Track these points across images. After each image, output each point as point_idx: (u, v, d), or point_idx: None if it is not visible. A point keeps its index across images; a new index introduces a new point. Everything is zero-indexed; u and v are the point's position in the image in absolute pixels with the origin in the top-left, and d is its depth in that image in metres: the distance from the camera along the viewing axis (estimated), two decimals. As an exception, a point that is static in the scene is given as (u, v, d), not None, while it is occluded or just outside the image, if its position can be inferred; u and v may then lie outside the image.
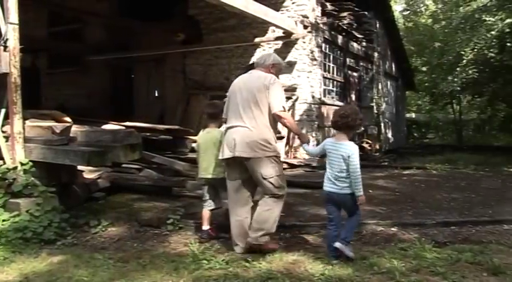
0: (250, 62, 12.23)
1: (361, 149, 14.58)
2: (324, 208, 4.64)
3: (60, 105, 12.69)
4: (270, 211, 4.56)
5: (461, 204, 6.84)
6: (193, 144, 6.40)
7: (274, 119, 4.64)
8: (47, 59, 16.36)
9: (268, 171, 4.52)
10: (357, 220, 4.49)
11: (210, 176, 5.14)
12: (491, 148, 22.99)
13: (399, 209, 6.44)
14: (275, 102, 4.53)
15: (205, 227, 5.09)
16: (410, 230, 5.40)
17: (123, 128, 7.80)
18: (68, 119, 6.60)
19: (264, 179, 4.52)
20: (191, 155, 7.92)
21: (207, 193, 5.22)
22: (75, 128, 6.11)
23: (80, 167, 6.30)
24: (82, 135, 6.03)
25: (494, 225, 5.70)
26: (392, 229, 5.43)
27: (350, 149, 4.24)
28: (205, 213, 5.15)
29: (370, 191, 7.77)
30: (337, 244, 4.21)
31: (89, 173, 6.87)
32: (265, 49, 12.18)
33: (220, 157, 4.76)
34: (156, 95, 14.96)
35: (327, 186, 4.37)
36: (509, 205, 6.87)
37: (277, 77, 4.82)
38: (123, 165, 7.42)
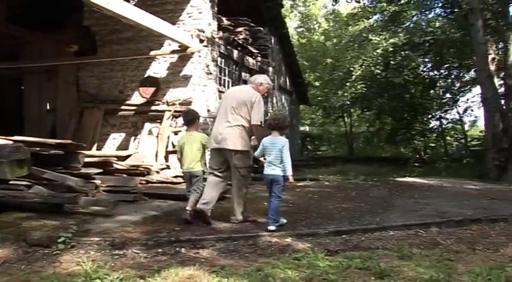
0: (146, 75, 12.15)
1: (257, 162, 14.86)
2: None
3: None
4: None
5: (351, 213, 7.16)
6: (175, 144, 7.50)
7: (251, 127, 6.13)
8: None
9: (240, 163, 6.14)
10: (278, 203, 5.99)
11: (193, 170, 6.46)
12: (380, 159, 24.29)
13: (293, 220, 6.61)
14: (255, 116, 6.08)
15: (188, 208, 6.32)
16: (304, 240, 5.55)
17: (10, 142, 7.44)
18: None
19: (236, 168, 6.15)
20: (84, 170, 7.72)
21: (192, 184, 6.49)
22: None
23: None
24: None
25: (381, 231, 6.02)
26: (287, 240, 5.53)
27: (283, 142, 5.92)
28: (191, 200, 6.39)
29: (265, 203, 7.94)
30: (269, 227, 5.74)
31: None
32: (161, 62, 12.14)
33: (208, 147, 6.42)
34: (48, 108, 14.26)
35: (267, 171, 5.95)
36: (395, 212, 7.33)
37: (264, 94, 6.42)
38: (11, 182, 7.07)
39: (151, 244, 5.15)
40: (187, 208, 6.36)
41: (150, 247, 5.10)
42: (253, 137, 6.36)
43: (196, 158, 6.46)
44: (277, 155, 5.86)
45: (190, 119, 6.73)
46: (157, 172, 10.18)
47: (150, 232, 5.64)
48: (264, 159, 6.09)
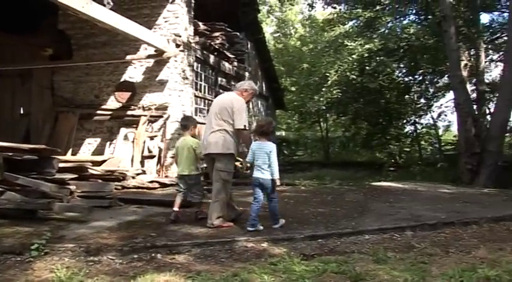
0: (122, 80, 12.08)
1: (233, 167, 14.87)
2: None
3: None
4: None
5: (327, 218, 7.16)
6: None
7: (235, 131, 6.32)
8: None
9: (221, 165, 6.29)
10: (275, 205, 6.33)
11: (185, 173, 6.82)
12: (355, 164, 24.51)
13: (269, 224, 6.64)
14: (239, 121, 6.24)
15: (175, 208, 6.71)
16: (280, 244, 5.56)
17: (-18, 147, 7.33)
18: None
19: (217, 170, 6.31)
20: (59, 176, 7.64)
21: (183, 185, 6.87)
22: None
23: None
24: None
25: (356, 236, 6.06)
26: (263, 245, 5.54)
27: (271, 147, 6.17)
28: (178, 198, 6.83)
29: (241, 208, 7.95)
30: (274, 226, 6.21)
31: None
32: (137, 67, 12.09)
33: (200, 154, 6.68)
34: (22, 112, 14.04)
35: (255, 174, 6.20)
36: (370, 216, 7.37)
37: (250, 99, 6.73)
38: (-18, 188, 6.97)
39: (127, 250, 5.11)
40: (174, 209, 6.75)
41: (126, 253, 5.06)
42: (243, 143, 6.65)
43: (188, 162, 6.83)
44: (264, 159, 6.14)
45: (184, 124, 7.23)
46: (133, 177, 10.13)
47: (126, 238, 5.59)
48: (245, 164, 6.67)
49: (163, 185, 9.98)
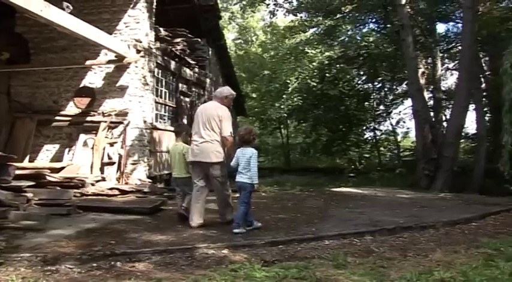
0: (81, 85, 11.90)
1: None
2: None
3: None
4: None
5: (287, 224, 7.23)
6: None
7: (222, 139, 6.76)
8: None
9: (217, 173, 6.76)
10: (246, 207, 6.55)
11: (178, 176, 7.47)
12: (316, 170, 24.74)
13: (230, 231, 6.65)
14: (224, 129, 6.72)
15: (181, 211, 7.26)
16: (241, 251, 5.57)
17: None
18: None
19: (214, 177, 6.78)
20: (15, 183, 7.46)
21: (178, 188, 7.55)
22: None
23: None
24: None
25: (317, 241, 6.13)
26: (223, 251, 5.53)
27: (251, 152, 6.58)
28: (179, 199, 7.51)
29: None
30: (234, 230, 6.38)
31: None
32: (97, 72, 11.91)
33: (188, 160, 7.07)
34: (-25, 117, 13.66)
35: (238, 178, 6.61)
36: (330, 222, 7.48)
37: (230, 105, 7.09)
38: None
39: (86, 258, 5.02)
40: (184, 205, 7.34)
41: (84, 262, 4.97)
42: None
43: (180, 166, 7.43)
44: (245, 164, 6.55)
45: (177, 131, 8.17)
46: (93, 184, 9.96)
47: (85, 246, 5.50)
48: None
49: (123, 192, 9.83)
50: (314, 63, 18.79)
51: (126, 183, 10.85)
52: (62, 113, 11.99)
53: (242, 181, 6.58)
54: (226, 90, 7.18)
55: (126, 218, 7.39)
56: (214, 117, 6.76)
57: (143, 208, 8.03)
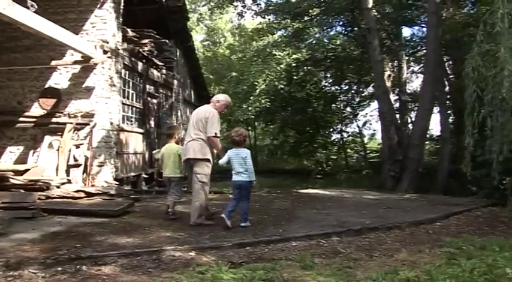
0: (47, 86, 11.71)
1: (161, 175, 14.65)
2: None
3: None
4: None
5: (255, 225, 7.22)
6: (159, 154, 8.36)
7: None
8: None
9: (198, 169, 7.14)
10: (248, 205, 7.13)
11: (170, 175, 7.84)
12: (283, 171, 24.84)
13: (197, 233, 6.62)
14: (210, 129, 7.10)
15: (170, 210, 7.74)
16: (208, 253, 5.57)
17: None
18: None
19: (195, 174, 7.16)
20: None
21: (172, 187, 7.86)
22: None
23: None
24: None
25: (284, 242, 6.17)
26: (190, 253, 5.52)
27: (245, 152, 7.03)
28: (169, 201, 7.83)
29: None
30: (242, 224, 6.98)
31: None
32: (62, 73, 11.73)
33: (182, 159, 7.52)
34: None
35: (234, 178, 7.04)
36: (297, 223, 7.53)
37: (223, 110, 7.56)
38: None
39: (50, 263, 4.94)
40: (169, 210, 7.77)
41: (49, 266, 4.89)
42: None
43: (173, 166, 7.82)
44: (241, 164, 6.98)
45: (169, 133, 8.42)
46: (58, 187, 9.81)
47: (49, 250, 5.40)
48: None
49: (89, 195, 9.70)
50: (281, 66, 18.90)
51: (92, 186, 10.72)
52: (27, 114, 11.77)
53: (242, 180, 7.01)
54: (222, 97, 7.70)
55: (92, 220, 7.30)
56: (202, 119, 7.19)
57: (109, 211, 7.94)
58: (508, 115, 7.65)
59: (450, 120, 19.28)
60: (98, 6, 11.72)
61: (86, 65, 11.39)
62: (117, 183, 11.26)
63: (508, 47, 6.85)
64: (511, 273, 4.54)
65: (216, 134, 7.16)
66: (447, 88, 19.65)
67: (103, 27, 11.67)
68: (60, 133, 11.27)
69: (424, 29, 19.00)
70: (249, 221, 7.16)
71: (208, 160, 7.23)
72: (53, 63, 11.51)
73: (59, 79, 11.75)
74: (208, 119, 7.17)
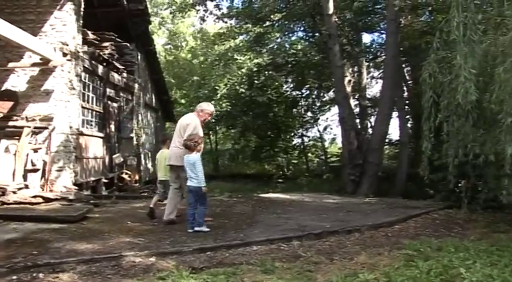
0: (3, 89, 11.44)
1: (121, 180, 14.56)
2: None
3: None
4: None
5: (216, 230, 7.24)
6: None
7: None
8: None
9: (180, 175, 7.64)
10: (204, 209, 7.27)
11: (163, 179, 8.59)
12: (245, 176, 24.88)
13: (157, 238, 6.58)
14: (186, 134, 7.48)
15: (151, 205, 8.31)
16: (168, 258, 5.53)
17: None
18: None
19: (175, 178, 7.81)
20: None
21: (161, 188, 8.75)
22: None
23: None
24: None
25: (245, 247, 6.19)
26: (151, 259, 5.48)
27: (193, 158, 7.19)
28: (155, 197, 8.65)
29: (129, 222, 7.84)
30: (196, 228, 7.04)
31: None
32: (20, 75, 11.48)
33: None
34: None
35: (188, 183, 7.23)
36: (258, 228, 7.56)
37: (206, 118, 8.06)
38: None
39: (4, 271, 4.81)
40: (150, 205, 8.35)
41: (3, 275, 4.76)
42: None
43: (166, 170, 8.33)
44: (192, 170, 7.18)
45: (162, 139, 9.46)
46: (14, 192, 9.59)
47: (4, 258, 5.27)
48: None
49: (47, 200, 9.52)
50: (243, 70, 19.02)
51: (51, 191, 10.52)
52: (-18, 117, 11.48)
53: (192, 185, 7.20)
54: (205, 105, 8.16)
55: (50, 227, 7.15)
56: (184, 126, 7.69)
57: (68, 216, 7.81)
58: (463, 120, 7.85)
59: (409, 125, 19.68)
60: (58, 7, 11.54)
61: (45, 68, 11.20)
62: (77, 188, 11.09)
63: (463, 54, 7.03)
64: (465, 273, 4.69)
65: None
66: (406, 94, 20.04)
67: (63, 29, 11.49)
68: (17, 137, 11.02)
69: (384, 36, 19.35)
70: (206, 226, 7.22)
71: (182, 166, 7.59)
72: (10, 65, 11.29)
73: (17, 81, 11.50)
74: (188, 127, 7.62)
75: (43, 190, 10.53)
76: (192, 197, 7.26)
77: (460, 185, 9.94)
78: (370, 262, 5.35)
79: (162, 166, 8.65)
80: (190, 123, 7.68)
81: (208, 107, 8.13)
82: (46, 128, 11.03)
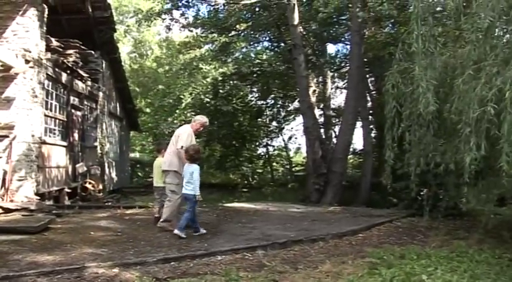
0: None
1: (85, 189, 14.35)
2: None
3: None
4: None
5: (180, 240, 7.24)
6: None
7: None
8: None
9: (168, 180, 8.26)
10: (190, 214, 7.70)
11: (156, 185, 9.07)
12: (209, 185, 24.74)
13: (121, 249, 6.54)
14: (178, 143, 8.14)
15: (156, 215, 8.80)
16: (132, 269, 5.51)
17: None
18: None
19: (166, 183, 8.35)
20: None
21: (157, 195, 9.05)
22: None
23: None
24: None
25: (209, 257, 6.22)
26: (114, 270, 5.44)
27: (193, 168, 7.69)
28: (156, 205, 9.13)
29: (92, 233, 7.75)
30: (175, 231, 7.49)
31: None
32: (-20, 82, 11.25)
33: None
34: None
35: (183, 190, 7.78)
36: (222, 237, 7.61)
37: (198, 129, 8.68)
38: None
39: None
40: (156, 215, 8.88)
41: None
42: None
43: (158, 177, 8.89)
44: (189, 178, 7.68)
45: (158, 148, 9.77)
46: (-26, 202, 9.37)
47: (-41, 272, 5.14)
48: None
49: (7, 211, 9.32)
50: (208, 79, 19.08)
51: (11, 201, 10.29)
52: None
53: (187, 193, 7.72)
54: (198, 117, 8.90)
55: (10, 238, 7.02)
56: (178, 135, 8.33)
57: (29, 227, 7.68)
58: (425, 130, 8.03)
59: (372, 135, 19.93)
60: (20, 13, 11.34)
61: (6, 75, 10.95)
62: (39, 198, 10.88)
63: (422, 66, 7.21)
64: (427, 280, 4.79)
65: (182, 147, 8.03)
66: (370, 104, 20.35)
67: (25, 35, 11.28)
68: (-24, 146, 10.78)
69: (348, 47, 19.60)
70: (184, 234, 7.50)
71: (176, 171, 8.12)
72: (-31, 71, 11.03)
73: (-24, 89, 11.25)
74: (180, 135, 8.29)
75: (3, 200, 10.29)
76: (188, 203, 7.82)
77: (422, 193, 10.14)
78: (335, 270, 5.42)
79: (157, 173, 9.04)
80: (183, 133, 8.29)
81: (201, 118, 8.81)
82: (7, 136, 10.80)
